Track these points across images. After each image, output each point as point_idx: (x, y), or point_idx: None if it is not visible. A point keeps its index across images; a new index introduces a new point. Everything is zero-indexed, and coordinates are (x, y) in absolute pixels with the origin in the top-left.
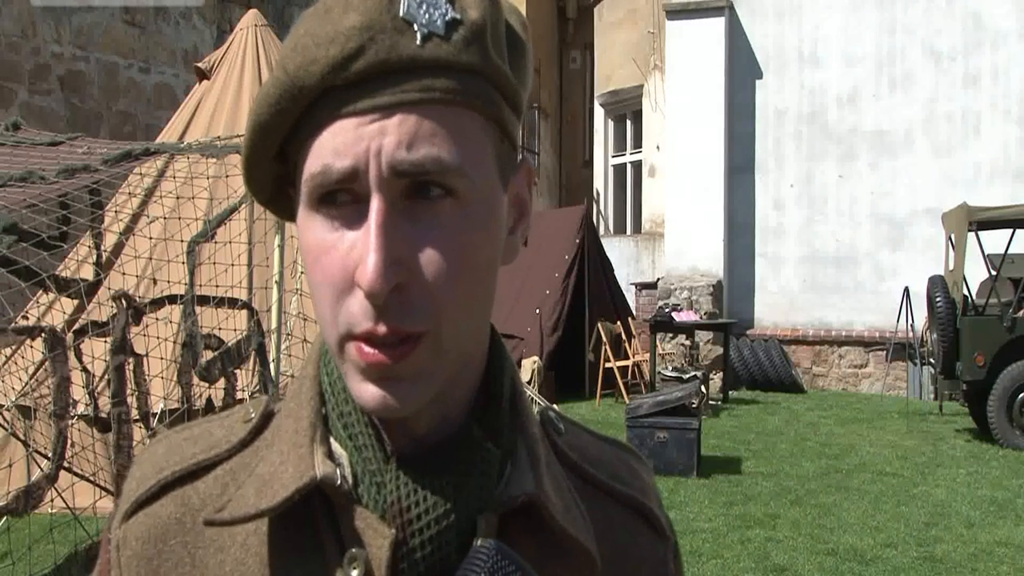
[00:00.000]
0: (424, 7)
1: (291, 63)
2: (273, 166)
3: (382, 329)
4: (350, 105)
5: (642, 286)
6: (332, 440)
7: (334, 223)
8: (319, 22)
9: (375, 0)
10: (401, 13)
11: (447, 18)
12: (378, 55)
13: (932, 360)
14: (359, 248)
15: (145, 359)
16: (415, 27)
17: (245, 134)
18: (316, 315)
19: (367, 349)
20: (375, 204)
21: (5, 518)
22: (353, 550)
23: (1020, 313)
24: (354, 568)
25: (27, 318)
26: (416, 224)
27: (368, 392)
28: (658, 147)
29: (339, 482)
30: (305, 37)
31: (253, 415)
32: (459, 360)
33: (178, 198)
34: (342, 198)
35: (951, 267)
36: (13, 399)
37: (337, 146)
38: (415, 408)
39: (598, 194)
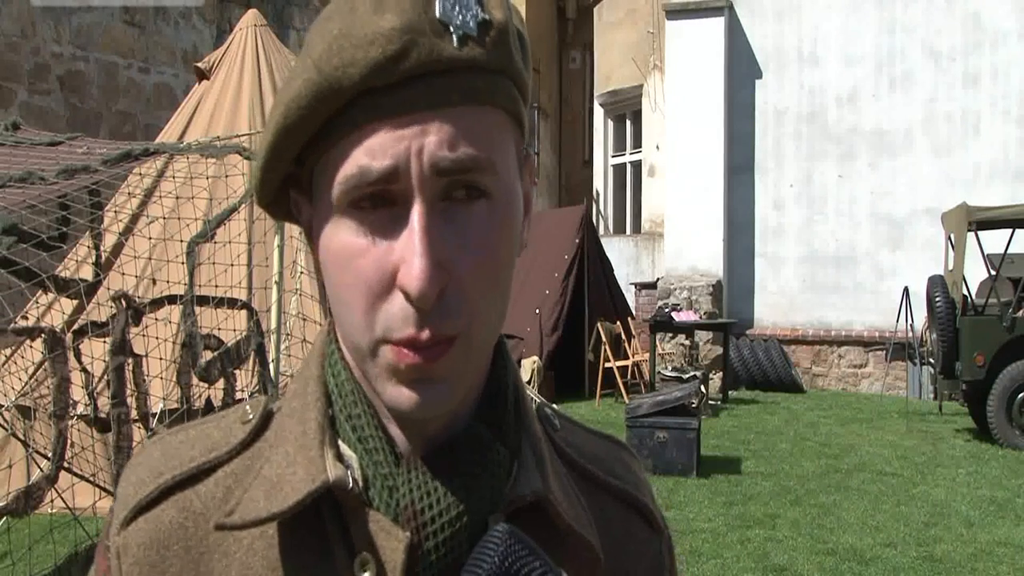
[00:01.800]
0: (457, 8)
1: (326, 64)
2: (289, 167)
3: (426, 335)
4: (391, 108)
5: (642, 286)
6: (340, 442)
7: (366, 227)
8: (350, 22)
9: (411, 0)
10: (437, 14)
11: (479, 19)
12: (420, 57)
13: (932, 360)
14: (398, 251)
15: (145, 359)
16: (451, 29)
17: (267, 135)
18: (341, 319)
19: (405, 351)
20: (417, 206)
21: (5, 518)
22: (364, 553)
23: (1020, 313)
24: (366, 572)
25: (27, 319)
26: (452, 225)
27: (403, 395)
28: (658, 147)
29: (350, 485)
30: (340, 38)
31: (252, 416)
32: (485, 358)
33: (178, 198)
34: (374, 201)
35: (951, 267)
36: (13, 399)
37: (373, 147)
38: (447, 408)
39: (598, 194)
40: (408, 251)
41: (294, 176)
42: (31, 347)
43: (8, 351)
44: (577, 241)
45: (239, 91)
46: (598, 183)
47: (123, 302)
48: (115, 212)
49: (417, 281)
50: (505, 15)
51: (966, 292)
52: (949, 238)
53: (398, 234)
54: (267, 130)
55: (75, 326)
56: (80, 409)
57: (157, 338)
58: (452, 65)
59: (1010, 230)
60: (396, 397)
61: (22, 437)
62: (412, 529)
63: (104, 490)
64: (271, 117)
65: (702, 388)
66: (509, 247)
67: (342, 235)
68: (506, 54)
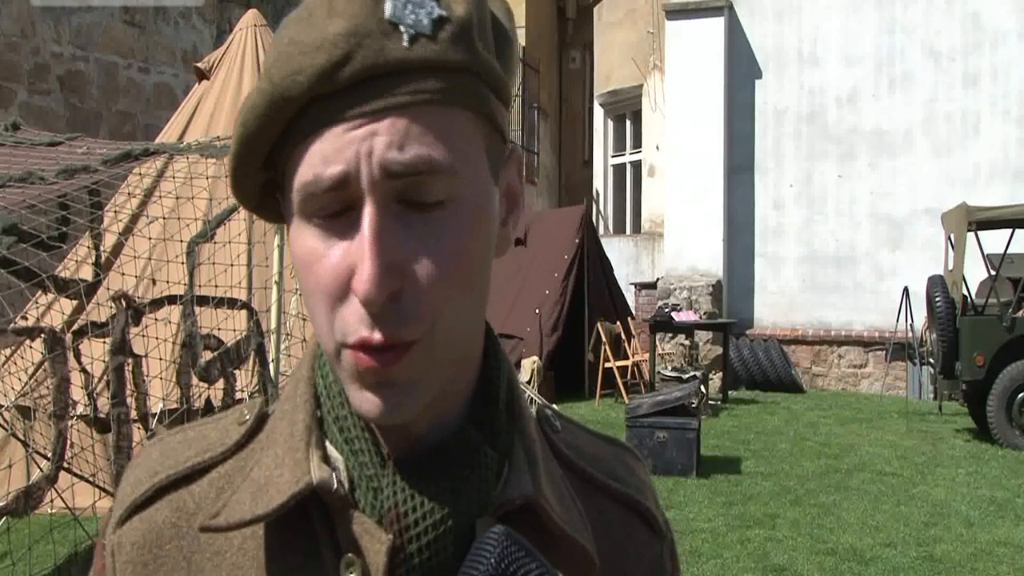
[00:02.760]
0: (409, 7)
1: (276, 73)
2: (260, 173)
3: (377, 337)
4: (339, 113)
5: (642, 286)
6: (328, 444)
7: (325, 232)
8: (303, 29)
9: (360, 3)
10: (387, 15)
11: (433, 16)
12: (365, 61)
13: (932, 360)
14: (352, 255)
15: (144, 360)
16: (402, 28)
17: (232, 144)
18: (312, 323)
19: (362, 355)
20: (368, 209)
21: (5, 518)
22: (349, 555)
23: (1019, 313)
24: (351, 573)
25: (26, 319)
26: (410, 228)
27: (366, 399)
28: (658, 147)
29: (335, 487)
30: (289, 46)
31: (247, 417)
32: (454, 362)
33: (177, 198)
34: (333, 207)
35: (951, 267)
36: (13, 399)
37: (327, 153)
38: (412, 414)
39: (598, 194)
40: (359, 255)
41: (275, 180)
42: (31, 347)
43: (8, 351)
44: (577, 241)
45: (239, 91)
46: (598, 183)
47: (123, 302)
48: (115, 212)
49: (364, 284)
50: (468, 10)
51: (966, 292)
52: (949, 238)
53: (353, 238)
54: (233, 139)
55: (75, 326)
56: (80, 409)
57: (157, 338)
58: (402, 66)
59: (1010, 230)
60: (361, 402)
61: (22, 437)
62: (395, 531)
63: (104, 490)
64: (235, 126)
65: (702, 388)
66: (479, 249)
67: (304, 240)
68: (467, 50)
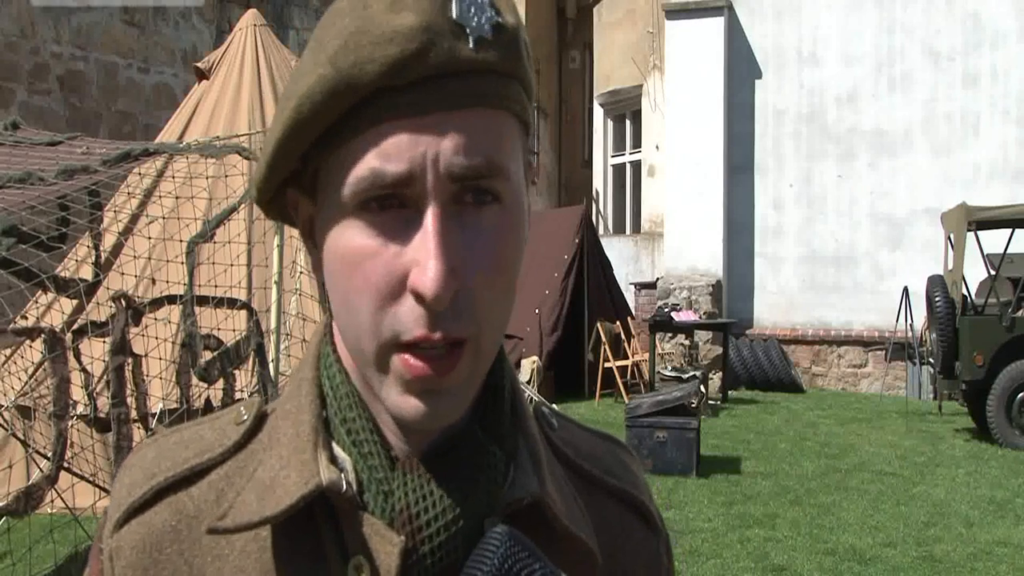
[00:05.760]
0: (473, 11)
1: (343, 60)
2: (295, 163)
3: (438, 335)
4: (406, 108)
5: (641, 286)
6: (334, 445)
7: (375, 228)
8: (366, 18)
9: (429, 0)
10: (454, 15)
11: (493, 22)
12: (439, 58)
13: (931, 360)
14: (410, 254)
15: (144, 359)
16: (467, 31)
17: (276, 131)
18: (346, 323)
19: (414, 362)
20: (432, 210)
21: (5, 519)
22: (358, 557)
23: (1019, 313)
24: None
25: (26, 319)
26: (464, 229)
27: (410, 405)
28: (657, 147)
29: (344, 488)
30: (356, 35)
31: (246, 417)
32: (489, 365)
33: (177, 198)
34: (383, 203)
35: (950, 267)
36: (13, 399)
37: (389, 150)
38: (454, 419)
39: (597, 194)
40: (423, 254)
41: (294, 174)
42: (31, 347)
43: (8, 351)
44: (577, 241)
45: (239, 91)
46: (598, 183)
47: (123, 302)
48: (115, 212)
49: (433, 283)
50: (516, 19)
51: (966, 292)
52: (949, 238)
53: (410, 237)
54: (276, 126)
55: (75, 326)
56: (80, 409)
57: (157, 338)
58: (468, 67)
59: (1010, 230)
60: (402, 406)
61: (22, 437)
62: (407, 533)
63: (104, 490)
64: (281, 113)
65: (702, 388)
66: (517, 252)
67: (351, 237)
68: (517, 58)
